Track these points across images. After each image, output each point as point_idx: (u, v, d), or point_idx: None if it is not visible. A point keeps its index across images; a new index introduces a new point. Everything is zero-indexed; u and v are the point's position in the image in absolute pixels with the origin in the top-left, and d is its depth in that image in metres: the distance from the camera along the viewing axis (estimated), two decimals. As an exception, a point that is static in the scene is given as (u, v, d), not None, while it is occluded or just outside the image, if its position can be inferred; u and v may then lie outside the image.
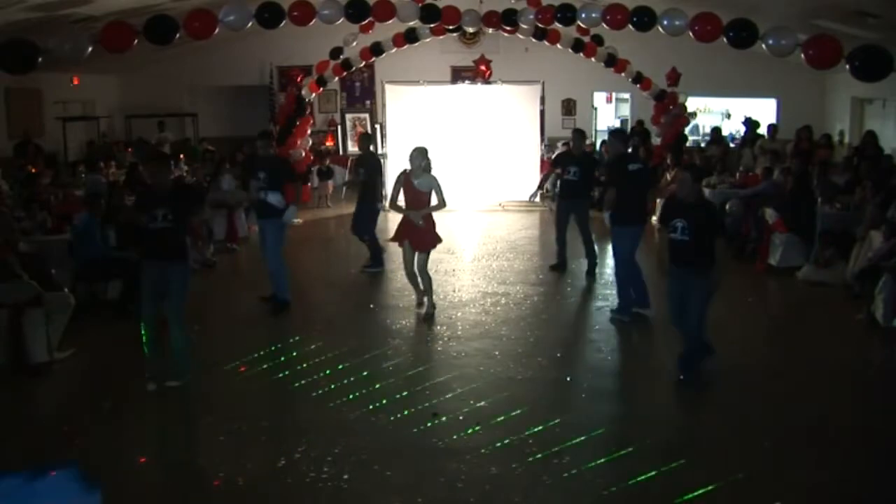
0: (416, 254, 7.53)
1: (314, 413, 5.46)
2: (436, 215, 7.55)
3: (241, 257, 10.45)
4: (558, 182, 9.62)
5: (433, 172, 7.42)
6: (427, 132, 13.03)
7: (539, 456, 4.80)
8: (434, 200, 7.43)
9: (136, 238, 6.56)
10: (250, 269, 8.24)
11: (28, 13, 8.47)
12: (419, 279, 7.64)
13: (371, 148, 10.16)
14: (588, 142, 15.85)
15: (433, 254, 7.68)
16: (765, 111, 15.85)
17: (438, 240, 7.59)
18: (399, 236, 7.60)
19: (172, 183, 6.13)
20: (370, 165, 9.55)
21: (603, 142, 15.21)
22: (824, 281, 8.66)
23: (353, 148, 15.64)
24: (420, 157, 7.36)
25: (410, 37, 12.51)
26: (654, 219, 12.32)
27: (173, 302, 5.73)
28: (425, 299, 7.68)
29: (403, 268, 7.77)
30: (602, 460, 4.84)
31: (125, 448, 4.96)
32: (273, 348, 6.85)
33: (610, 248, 7.98)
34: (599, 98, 17.76)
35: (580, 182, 9.12)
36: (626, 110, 17.97)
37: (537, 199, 11.59)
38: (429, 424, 5.25)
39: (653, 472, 4.67)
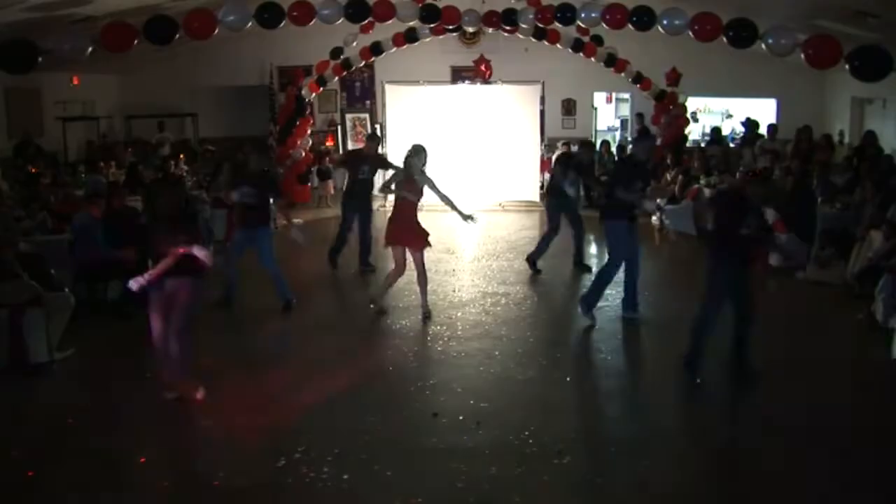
0: (413, 255, 7.47)
1: (314, 413, 5.45)
2: (435, 215, 7.54)
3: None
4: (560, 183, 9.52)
5: (427, 172, 7.43)
6: (427, 132, 13.00)
7: (539, 456, 4.80)
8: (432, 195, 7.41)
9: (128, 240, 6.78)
10: (249, 268, 8.20)
11: (28, 13, 8.46)
12: (416, 279, 7.61)
13: (380, 150, 10.14)
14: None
15: (434, 253, 7.67)
16: (765, 111, 15.82)
17: (427, 235, 7.53)
18: (390, 239, 7.55)
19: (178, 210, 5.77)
20: (372, 166, 9.46)
21: (604, 141, 15.23)
22: (824, 281, 8.66)
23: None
24: (421, 159, 7.36)
25: (410, 37, 12.53)
26: (654, 219, 12.35)
27: (177, 314, 5.67)
28: (424, 303, 7.65)
29: (395, 269, 7.69)
30: (602, 460, 4.85)
31: (125, 448, 4.96)
32: (272, 348, 6.86)
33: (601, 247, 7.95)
34: (599, 98, 17.73)
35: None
36: (626, 110, 17.94)
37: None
38: (428, 425, 5.25)
39: (653, 472, 4.67)
